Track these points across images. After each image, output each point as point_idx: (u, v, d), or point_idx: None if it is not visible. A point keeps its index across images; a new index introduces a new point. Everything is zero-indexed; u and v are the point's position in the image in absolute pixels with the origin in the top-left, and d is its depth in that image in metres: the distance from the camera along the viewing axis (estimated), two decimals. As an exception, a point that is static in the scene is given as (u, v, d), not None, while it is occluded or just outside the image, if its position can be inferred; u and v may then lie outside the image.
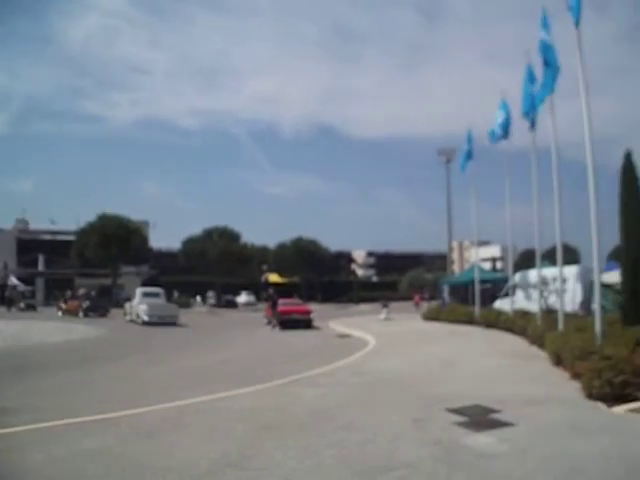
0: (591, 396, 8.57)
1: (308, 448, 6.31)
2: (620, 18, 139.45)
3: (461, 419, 7.57)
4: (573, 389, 9.29)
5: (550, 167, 14.84)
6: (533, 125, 16.99)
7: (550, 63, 13.57)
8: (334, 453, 6.11)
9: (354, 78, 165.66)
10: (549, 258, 21.42)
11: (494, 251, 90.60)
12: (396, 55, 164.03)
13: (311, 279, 77.04)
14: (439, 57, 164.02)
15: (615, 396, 8.28)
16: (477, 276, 26.37)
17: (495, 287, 30.28)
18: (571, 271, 21.19)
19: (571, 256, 41.01)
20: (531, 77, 16.10)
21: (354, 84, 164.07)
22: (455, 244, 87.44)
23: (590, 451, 6.03)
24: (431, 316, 30.71)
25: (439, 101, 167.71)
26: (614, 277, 16.20)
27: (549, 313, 17.33)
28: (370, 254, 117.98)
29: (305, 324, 27.66)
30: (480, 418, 7.63)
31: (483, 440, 6.54)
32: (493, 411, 7.97)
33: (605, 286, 17.99)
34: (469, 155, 25.59)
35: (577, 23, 11.44)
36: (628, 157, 12.21)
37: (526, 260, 44.77)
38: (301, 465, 5.74)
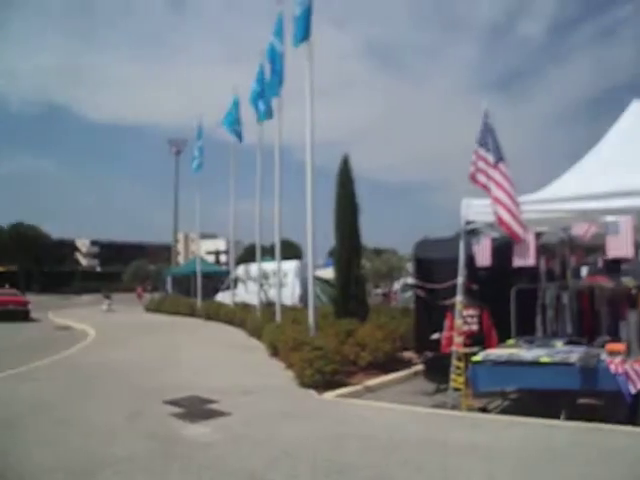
0: (304, 384, 9.07)
1: (27, 446, 5.91)
2: (357, 34, 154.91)
3: (178, 410, 7.50)
4: (288, 378, 9.76)
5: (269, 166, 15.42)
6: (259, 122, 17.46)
7: (276, 70, 14.01)
8: (51, 450, 5.77)
9: (94, 57, 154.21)
10: (273, 253, 22.41)
11: (220, 244, 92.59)
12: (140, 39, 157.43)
13: (31, 268, 69.53)
14: (183, 49, 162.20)
15: (326, 383, 8.92)
16: (199, 268, 26.54)
17: (218, 280, 30.79)
18: (291, 266, 22.50)
19: (294, 252, 43.86)
20: (261, 78, 16.50)
21: (93, 64, 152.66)
22: (181, 236, 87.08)
23: (300, 434, 6.38)
24: (153, 308, 30.26)
25: (176, 92, 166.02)
26: (331, 273, 17.60)
27: (269, 306, 18.09)
28: (94, 243, 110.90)
29: (22, 316, 25.53)
30: (196, 409, 7.61)
31: (199, 430, 6.54)
32: (210, 401, 7.99)
33: (324, 281, 19.49)
34: (201, 151, 25.56)
35: (301, 37, 11.74)
36: (345, 161, 13.36)
37: (251, 254, 46.37)
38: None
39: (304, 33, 11.70)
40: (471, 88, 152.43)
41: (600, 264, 8.43)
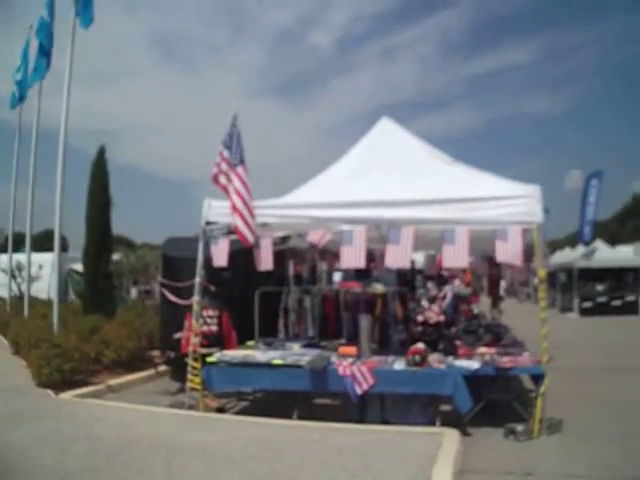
0: (42, 384, 8.47)
1: None
2: (144, 22, 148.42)
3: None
4: (26, 377, 9.06)
5: (48, 151, 14.20)
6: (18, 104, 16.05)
7: (44, 49, 12.96)
8: None
9: None
10: (38, 243, 20.56)
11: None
12: None
13: None
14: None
15: (66, 383, 8.42)
16: None
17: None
18: (48, 258, 20.84)
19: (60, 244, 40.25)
20: (25, 55, 15.11)
21: None
22: None
23: (25, 437, 5.96)
24: None
25: None
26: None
27: (22, 300, 16.57)
28: None
29: None
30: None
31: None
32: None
33: (80, 274, 18.33)
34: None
35: (86, 17, 11.06)
36: (101, 152, 12.89)
37: (16, 243, 41.83)
38: None
39: (87, 12, 10.99)
40: (258, 90, 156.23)
41: (352, 271, 8.96)
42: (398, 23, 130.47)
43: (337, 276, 9.53)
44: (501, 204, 6.79)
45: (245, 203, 7.22)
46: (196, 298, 7.75)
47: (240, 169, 7.30)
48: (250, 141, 7.59)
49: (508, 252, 6.73)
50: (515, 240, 6.69)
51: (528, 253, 7.03)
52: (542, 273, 6.78)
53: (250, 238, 7.27)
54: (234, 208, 7.23)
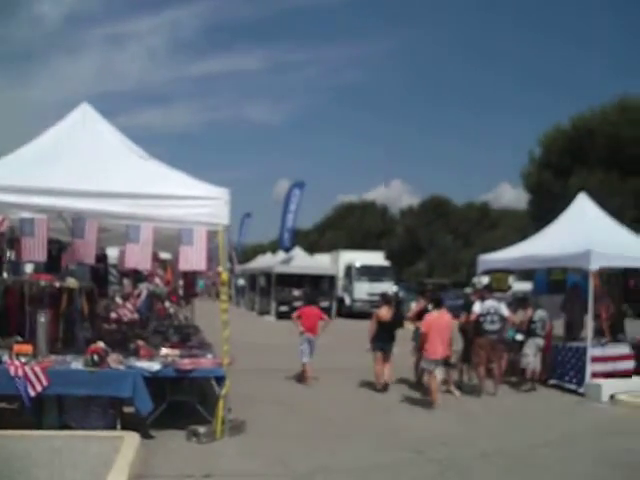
0: None
1: None
2: None
3: None
4: None
5: None
6: None
7: None
8: None
9: None
10: None
11: None
12: None
13: None
14: None
15: None
16: None
17: None
18: None
19: None
20: None
21: None
22: None
23: None
24: None
25: None
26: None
27: None
28: None
29: None
30: None
31: None
32: None
33: None
34: None
35: None
36: None
37: None
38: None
39: None
40: None
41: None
42: (130, 10, 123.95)
43: (29, 267, 8.54)
44: (190, 204, 6.85)
45: None
46: None
47: None
48: None
49: (193, 258, 6.82)
50: (200, 242, 6.80)
51: (216, 255, 7.16)
52: (224, 276, 6.96)
53: None
54: None
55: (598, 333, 10.49)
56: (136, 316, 8.73)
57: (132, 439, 5.81)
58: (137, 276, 10.04)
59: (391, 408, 8.76)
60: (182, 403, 7.10)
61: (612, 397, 9.25)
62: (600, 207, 12.15)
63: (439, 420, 8.04)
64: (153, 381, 6.54)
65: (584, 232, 10.84)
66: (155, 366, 6.63)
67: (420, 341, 9.05)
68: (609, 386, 9.42)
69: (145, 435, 6.23)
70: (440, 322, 8.82)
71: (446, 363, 9.43)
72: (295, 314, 10.84)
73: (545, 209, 27.84)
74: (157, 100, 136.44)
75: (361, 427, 7.53)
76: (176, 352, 7.29)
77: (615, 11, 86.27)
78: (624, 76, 72.72)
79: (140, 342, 7.48)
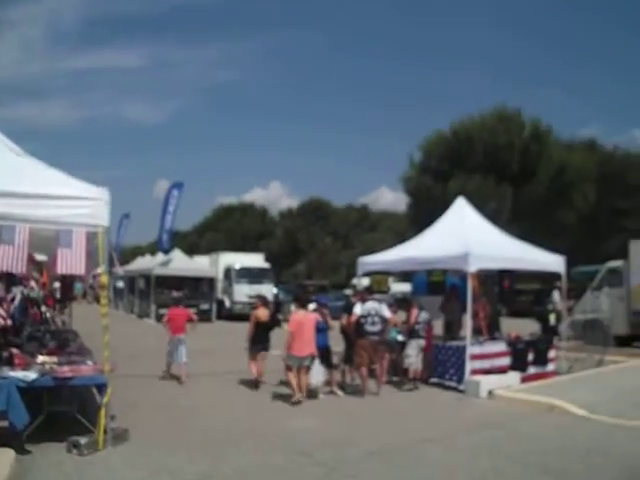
0: None
1: None
2: None
3: None
4: None
5: None
6: None
7: None
8: None
9: None
10: None
11: None
12: None
13: None
14: None
15: None
16: None
17: None
18: None
19: None
20: None
21: None
22: None
23: None
24: None
25: None
26: None
27: None
28: None
29: None
30: None
31: None
32: None
33: None
34: None
35: None
36: None
37: None
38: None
39: None
40: None
41: None
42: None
43: None
44: (68, 204, 6.55)
45: None
46: None
47: None
48: None
49: (72, 261, 6.63)
50: (79, 244, 6.61)
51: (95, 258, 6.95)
52: (104, 279, 6.81)
53: None
54: None
55: (476, 332, 11.12)
56: (9, 322, 8.17)
57: (5, 456, 5.48)
58: (10, 279, 9.39)
59: (274, 410, 8.86)
60: (61, 413, 6.76)
61: (490, 392, 9.84)
62: (477, 211, 12.86)
63: (324, 421, 8.23)
64: (29, 391, 6.18)
65: (462, 235, 11.35)
66: (31, 375, 6.27)
67: (287, 340, 9.27)
68: (487, 382, 10.00)
69: (20, 450, 5.89)
70: (305, 321, 9.27)
71: (328, 364, 9.75)
72: (165, 319, 11.12)
73: (424, 212, 28.74)
74: (32, 94, 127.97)
75: (245, 431, 7.54)
76: (54, 359, 6.92)
77: (497, 25, 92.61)
78: (502, 86, 78.11)
79: (14, 350, 7.02)
